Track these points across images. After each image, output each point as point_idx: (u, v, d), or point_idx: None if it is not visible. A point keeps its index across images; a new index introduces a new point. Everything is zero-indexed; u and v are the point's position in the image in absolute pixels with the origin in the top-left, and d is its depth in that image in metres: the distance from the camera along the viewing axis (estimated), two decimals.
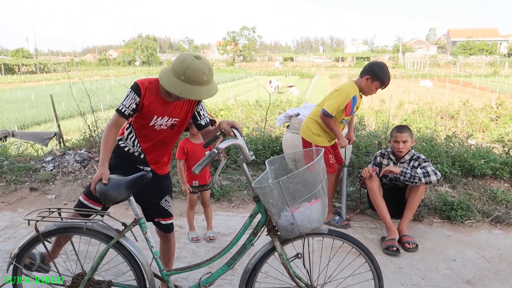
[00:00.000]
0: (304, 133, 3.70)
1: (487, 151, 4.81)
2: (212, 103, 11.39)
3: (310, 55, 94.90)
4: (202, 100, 2.29)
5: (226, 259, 2.09)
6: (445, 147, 4.83)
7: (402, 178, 3.39)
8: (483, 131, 7.61)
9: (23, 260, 2.10)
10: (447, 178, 4.47)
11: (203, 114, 2.30)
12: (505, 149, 5.03)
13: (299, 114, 4.50)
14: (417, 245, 3.25)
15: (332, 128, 3.52)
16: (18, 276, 2.13)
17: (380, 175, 3.51)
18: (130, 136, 2.23)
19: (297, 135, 3.93)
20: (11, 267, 2.09)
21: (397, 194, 3.66)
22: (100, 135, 6.31)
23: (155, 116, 2.13)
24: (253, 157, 1.97)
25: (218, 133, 2.11)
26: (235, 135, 2.00)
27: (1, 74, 46.87)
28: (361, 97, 3.69)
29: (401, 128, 3.55)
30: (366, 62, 71.45)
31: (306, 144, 3.71)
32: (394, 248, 3.17)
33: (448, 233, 3.55)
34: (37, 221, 1.95)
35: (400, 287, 2.73)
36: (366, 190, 3.66)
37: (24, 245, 2.06)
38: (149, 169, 2.27)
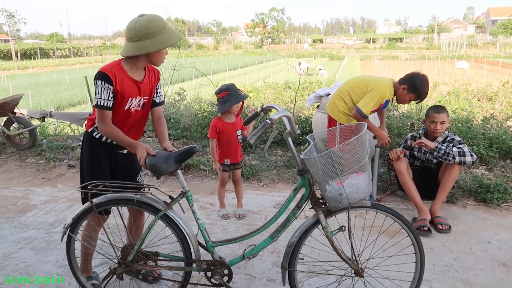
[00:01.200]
0: (330, 109, 3.66)
1: None
2: (240, 85, 11.40)
3: (340, 37, 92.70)
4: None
5: (269, 232, 2.12)
6: (482, 129, 4.66)
7: (435, 153, 3.30)
8: None
9: (76, 230, 2.20)
10: (483, 160, 4.32)
11: (159, 92, 2.34)
12: None
13: (329, 94, 4.44)
14: (450, 227, 3.18)
15: (369, 128, 3.47)
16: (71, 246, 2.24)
17: (413, 145, 3.43)
18: None
19: (327, 115, 3.89)
20: (65, 236, 2.19)
21: (428, 176, 3.58)
22: None
23: (130, 98, 2.12)
24: (299, 131, 1.98)
25: (259, 110, 2.15)
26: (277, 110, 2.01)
27: (37, 58, 48.49)
28: (393, 101, 3.59)
29: (438, 109, 3.40)
30: (398, 44, 69.22)
31: (331, 120, 3.67)
32: (426, 228, 3.12)
33: (483, 216, 3.46)
34: (91, 192, 2.03)
35: (431, 267, 2.69)
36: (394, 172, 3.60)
37: (77, 215, 2.15)
38: (126, 151, 2.30)
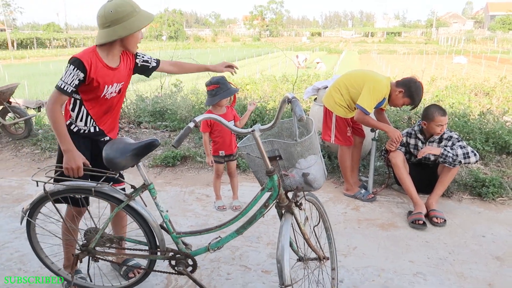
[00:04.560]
0: (326, 101, 3.65)
1: None
2: (238, 77, 11.34)
3: (339, 30, 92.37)
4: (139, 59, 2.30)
5: (236, 226, 2.09)
6: (478, 124, 4.66)
7: (441, 159, 3.29)
8: None
9: (35, 215, 2.19)
10: (479, 154, 4.33)
11: (148, 58, 2.33)
12: None
13: (327, 87, 4.42)
14: (445, 220, 3.20)
15: (374, 125, 3.46)
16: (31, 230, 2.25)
17: (419, 156, 3.36)
18: (80, 117, 2.15)
19: (323, 107, 3.88)
20: (25, 220, 2.19)
21: (426, 170, 3.58)
22: (129, 106, 6.43)
23: (106, 86, 2.09)
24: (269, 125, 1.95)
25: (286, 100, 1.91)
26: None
27: (34, 47, 48.07)
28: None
29: (442, 111, 3.30)
30: (397, 38, 69.07)
31: (327, 112, 3.67)
32: (421, 222, 3.13)
33: (478, 210, 3.47)
34: (45, 182, 2.00)
35: (426, 260, 2.71)
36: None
37: (34, 202, 2.14)
38: (108, 138, 2.26)
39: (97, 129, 2.22)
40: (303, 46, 49.02)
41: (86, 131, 2.18)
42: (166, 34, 68.09)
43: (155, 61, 2.39)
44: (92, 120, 2.18)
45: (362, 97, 3.34)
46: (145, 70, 2.36)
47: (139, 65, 2.30)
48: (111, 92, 2.15)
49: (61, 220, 2.21)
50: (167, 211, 2.10)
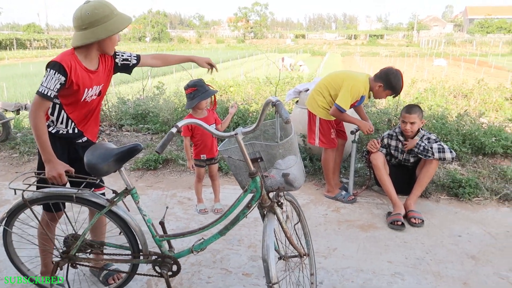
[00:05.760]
0: (310, 105, 3.70)
1: (499, 129, 4.75)
2: (222, 79, 11.32)
3: (323, 32, 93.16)
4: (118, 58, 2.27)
5: (218, 229, 2.10)
6: (456, 125, 4.78)
7: (415, 150, 3.38)
8: (497, 111, 7.46)
9: (12, 222, 2.15)
10: (456, 156, 4.43)
11: (127, 56, 2.30)
12: None
13: (308, 90, 4.46)
14: (423, 221, 3.26)
15: (348, 120, 3.52)
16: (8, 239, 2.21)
17: (408, 148, 3.47)
18: (59, 119, 2.12)
19: (306, 110, 3.92)
20: (1, 229, 2.16)
21: (405, 172, 3.66)
22: (110, 109, 6.36)
23: (86, 89, 2.07)
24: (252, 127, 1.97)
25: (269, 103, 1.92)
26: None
27: (13, 49, 47.03)
28: (370, 97, 3.64)
29: (410, 109, 3.43)
30: (379, 40, 69.92)
31: (311, 116, 3.71)
32: (399, 223, 3.19)
33: (455, 210, 3.55)
34: (23, 190, 1.96)
35: (404, 261, 2.76)
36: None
37: (11, 211, 2.10)
38: (85, 139, 2.24)
39: (76, 131, 2.19)
40: (287, 48, 49.28)
41: (65, 133, 2.16)
42: (149, 35, 67.52)
43: (135, 57, 2.34)
44: (72, 123, 2.16)
45: (340, 97, 3.41)
46: (126, 68, 2.33)
47: (119, 64, 2.27)
48: (91, 95, 2.13)
49: (38, 226, 2.18)
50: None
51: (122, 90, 7.73)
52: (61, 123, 2.13)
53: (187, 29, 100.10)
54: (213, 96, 3.28)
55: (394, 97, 3.56)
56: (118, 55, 2.27)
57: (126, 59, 2.30)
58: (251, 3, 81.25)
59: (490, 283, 2.52)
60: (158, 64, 2.49)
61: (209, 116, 3.33)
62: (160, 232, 2.16)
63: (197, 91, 3.14)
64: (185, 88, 3.22)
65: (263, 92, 8.88)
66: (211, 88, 3.21)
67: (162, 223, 2.14)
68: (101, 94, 2.21)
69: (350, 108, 3.51)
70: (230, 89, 9.39)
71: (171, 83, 12.72)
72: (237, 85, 10.23)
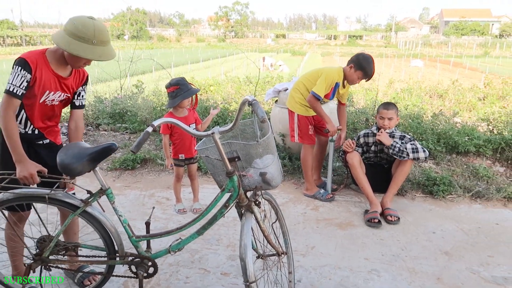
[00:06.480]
0: (288, 103, 3.79)
1: (472, 128, 4.89)
2: (202, 78, 11.26)
3: (303, 33, 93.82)
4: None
5: (195, 228, 2.11)
6: (431, 125, 4.89)
7: (390, 151, 3.44)
8: (470, 111, 7.68)
9: None
10: (431, 154, 4.54)
11: (82, 96, 2.26)
12: (490, 127, 5.12)
13: (287, 89, 4.49)
14: (398, 218, 3.33)
15: (320, 112, 3.58)
16: None
17: (377, 138, 3.54)
18: (19, 119, 2.07)
19: (285, 109, 3.94)
20: None
21: (381, 170, 3.73)
22: (87, 108, 6.23)
23: (47, 92, 2.03)
24: (228, 127, 1.96)
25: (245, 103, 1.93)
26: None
27: None
28: (346, 86, 3.71)
29: (387, 105, 3.59)
30: (358, 41, 70.84)
31: (290, 113, 3.76)
32: (376, 220, 3.24)
33: (429, 207, 3.64)
34: None
35: (380, 257, 2.81)
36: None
37: None
38: (47, 141, 2.20)
39: (36, 132, 2.14)
40: (268, 48, 49.37)
41: (23, 133, 2.10)
42: (128, 33, 66.49)
43: (80, 102, 2.26)
44: (31, 124, 2.11)
45: (316, 85, 3.51)
46: (71, 100, 2.24)
47: (78, 90, 2.23)
48: (52, 100, 2.09)
49: (6, 227, 2.12)
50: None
51: (99, 88, 7.59)
52: (20, 122, 2.08)
53: (167, 27, 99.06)
54: (194, 95, 3.26)
55: (366, 80, 3.61)
56: (86, 85, 2.26)
57: (80, 93, 2.24)
58: (231, 2, 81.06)
59: (462, 278, 2.59)
60: (71, 127, 2.28)
61: (189, 115, 3.31)
62: (139, 232, 2.13)
63: (179, 89, 3.12)
64: (167, 87, 3.18)
65: (243, 92, 8.88)
66: (193, 86, 3.19)
67: (147, 224, 2.12)
68: (63, 102, 2.18)
69: (325, 98, 3.59)
70: (210, 88, 9.36)
71: (151, 82, 12.57)
72: (217, 84, 10.20)
